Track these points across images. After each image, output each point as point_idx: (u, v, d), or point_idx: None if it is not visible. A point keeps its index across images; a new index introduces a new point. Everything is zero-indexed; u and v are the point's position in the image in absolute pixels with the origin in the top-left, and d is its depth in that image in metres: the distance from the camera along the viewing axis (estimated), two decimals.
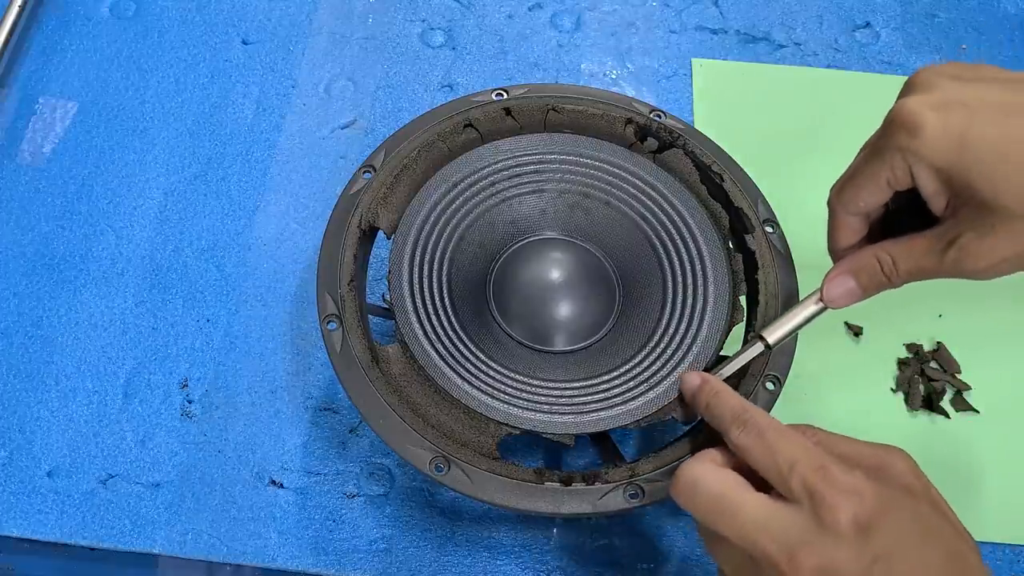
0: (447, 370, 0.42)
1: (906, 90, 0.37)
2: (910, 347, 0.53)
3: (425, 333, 0.43)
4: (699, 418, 0.41)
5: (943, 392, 0.51)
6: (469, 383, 0.42)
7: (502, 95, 0.49)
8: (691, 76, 0.64)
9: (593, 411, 0.42)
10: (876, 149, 0.36)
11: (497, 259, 0.48)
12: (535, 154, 0.49)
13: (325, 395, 0.51)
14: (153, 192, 0.58)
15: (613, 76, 0.64)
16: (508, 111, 0.49)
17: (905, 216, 0.38)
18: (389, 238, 0.46)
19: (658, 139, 0.49)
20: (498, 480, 0.39)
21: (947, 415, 0.51)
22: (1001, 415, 0.51)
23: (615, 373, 0.43)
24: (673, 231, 0.47)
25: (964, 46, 0.66)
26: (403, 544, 0.47)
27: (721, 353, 0.44)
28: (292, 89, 0.62)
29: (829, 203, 0.39)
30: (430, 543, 0.47)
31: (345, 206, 0.45)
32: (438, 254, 0.46)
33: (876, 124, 0.39)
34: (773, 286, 0.45)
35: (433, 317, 0.44)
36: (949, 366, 0.52)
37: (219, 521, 0.47)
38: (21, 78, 0.62)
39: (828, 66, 0.65)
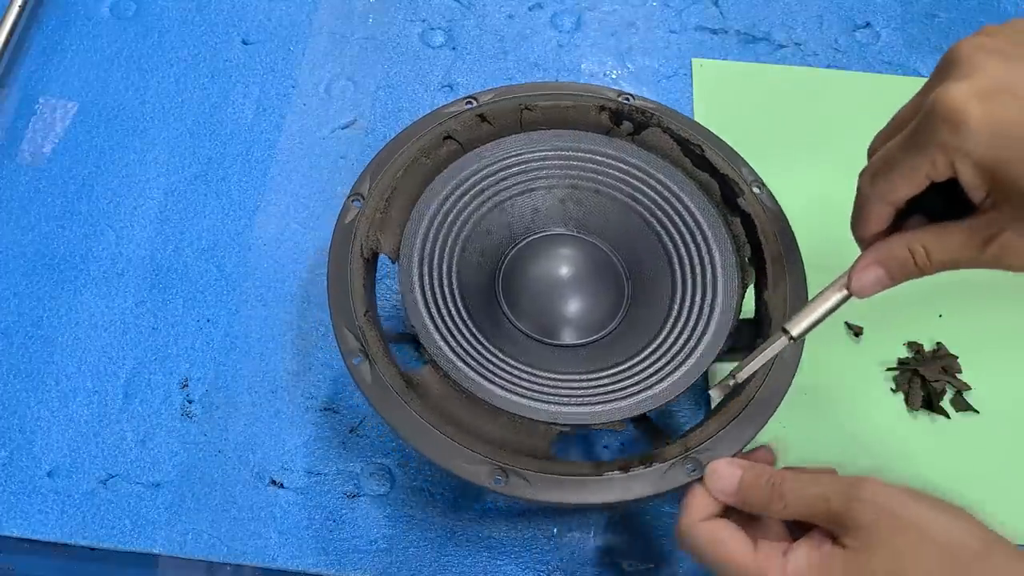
0: (485, 383, 0.42)
1: (946, 70, 0.34)
2: (910, 347, 0.53)
3: (452, 350, 0.43)
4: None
5: (943, 392, 0.51)
6: (509, 391, 0.42)
7: (472, 103, 0.49)
8: (691, 76, 0.64)
9: (632, 395, 0.42)
10: (916, 142, 0.34)
11: (501, 264, 0.48)
12: (517, 155, 0.49)
13: (326, 395, 0.51)
14: (153, 192, 0.58)
15: (613, 76, 0.64)
16: (483, 117, 0.49)
17: (933, 196, 0.36)
18: (394, 263, 0.45)
19: (632, 121, 0.50)
20: (558, 480, 0.39)
21: (947, 415, 0.51)
22: (1001, 415, 0.51)
23: (644, 354, 0.44)
24: (666, 207, 0.48)
25: None
26: (403, 544, 0.47)
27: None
28: (292, 89, 0.62)
29: (860, 189, 0.38)
30: (430, 543, 0.47)
31: (342, 236, 0.44)
32: (444, 270, 0.46)
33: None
34: (773, 244, 0.45)
35: (456, 334, 0.44)
36: (949, 366, 0.52)
37: (219, 521, 0.47)
38: (21, 78, 0.62)
39: (828, 66, 0.65)
